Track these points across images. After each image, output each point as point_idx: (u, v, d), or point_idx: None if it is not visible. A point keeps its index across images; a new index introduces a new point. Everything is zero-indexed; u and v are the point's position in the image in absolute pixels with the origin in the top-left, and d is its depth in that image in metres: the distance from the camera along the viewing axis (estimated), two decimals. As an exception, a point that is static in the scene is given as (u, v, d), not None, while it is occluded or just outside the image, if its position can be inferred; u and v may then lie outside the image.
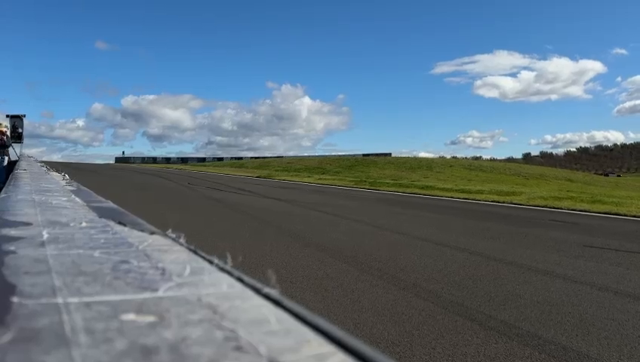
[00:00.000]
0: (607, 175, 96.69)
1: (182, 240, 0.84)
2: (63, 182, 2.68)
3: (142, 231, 0.97)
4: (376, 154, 65.90)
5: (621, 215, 10.77)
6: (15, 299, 0.50)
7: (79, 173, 22.10)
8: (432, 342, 3.14)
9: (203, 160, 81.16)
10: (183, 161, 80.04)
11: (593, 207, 12.01)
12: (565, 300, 4.12)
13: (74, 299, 0.51)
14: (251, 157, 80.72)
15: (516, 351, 3.02)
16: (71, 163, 47.35)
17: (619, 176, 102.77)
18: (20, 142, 17.38)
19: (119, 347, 0.39)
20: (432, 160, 53.66)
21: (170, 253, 0.76)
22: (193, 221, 8.70)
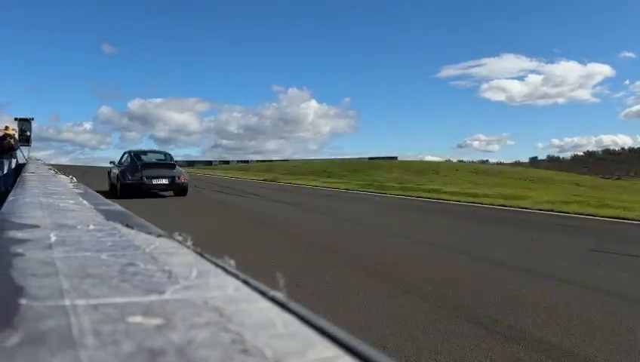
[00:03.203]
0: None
1: (188, 243, 0.85)
2: (71, 185, 2.70)
3: (149, 233, 0.97)
4: (383, 158, 65.84)
5: (629, 219, 10.69)
6: (23, 301, 0.50)
7: (84, 176, 22.25)
8: (437, 346, 3.13)
9: (209, 163, 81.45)
10: (190, 164, 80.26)
11: (601, 212, 11.93)
12: (572, 305, 4.09)
13: (81, 302, 0.51)
14: (257, 161, 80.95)
15: (522, 356, 3.00)
16: (76, 165, 47.63)
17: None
18: (27, 145, 17.50)
19: (126, 349, 0.40)
20: (438, 163, 53.66)
21: (176, 255, 0.77)
22: (198, 224, 8.72)
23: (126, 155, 15.33)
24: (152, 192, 14.16)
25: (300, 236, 7.61)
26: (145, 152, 15.81)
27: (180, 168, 15.08)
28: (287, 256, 5.95)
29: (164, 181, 13.94)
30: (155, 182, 13.79)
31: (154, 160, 15.18)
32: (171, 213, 10.26)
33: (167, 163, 14.96)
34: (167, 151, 16.73)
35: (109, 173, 16.16)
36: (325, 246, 6.68)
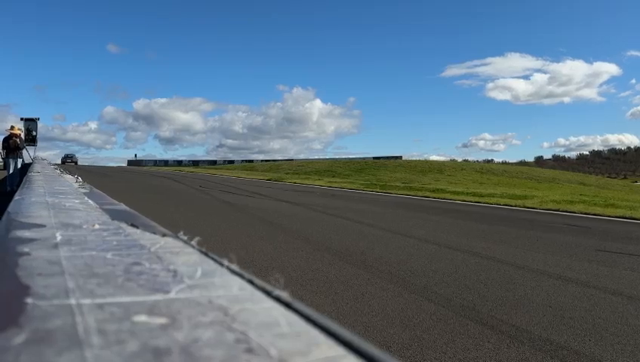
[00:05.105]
0: None
1: (193, 243, 0.85)
2: (76, 185, 2.71)
3: (154, 233, 0.97)
4: (387, 158, 65.68)
5: (635, 219, 10.63)
6: (29, 300, 0.51)
7: (90, 175, 22.31)
8: (442, 346, 3.12)
9: (214, 163, 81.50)
10: (195, 163, 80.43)
11: (606, 211, 11.87)
12: (578, 305, 4.07)
13: (87, 301, 0.52)
14: (262, 160, 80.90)
15: (528, 356, 2.99)
16: (82, 165, 48.33)
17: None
18: (33, 145, 17.59)
19: (131, 348, 0.40)
20: (443, 163, 53.41)
21: (181, 255, 0.77)
22: (203, 225, 8.74)
23: (64, 154, 60.24)
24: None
25: (305, 235, 7.61)
26: (68, 153, 61.79)
27: (76, 156, 60.31)
28: (291, 255, 5.95)
29: (70, 161, 54.58)
30: (68, 161, 54.26)
31: (70, 155, 58.88)
32: (181, 216, 10.29)
33: (72, 156, 58.30)
34: (73, 153, 62.44)
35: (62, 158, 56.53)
36: (330, 246, 6.67)
